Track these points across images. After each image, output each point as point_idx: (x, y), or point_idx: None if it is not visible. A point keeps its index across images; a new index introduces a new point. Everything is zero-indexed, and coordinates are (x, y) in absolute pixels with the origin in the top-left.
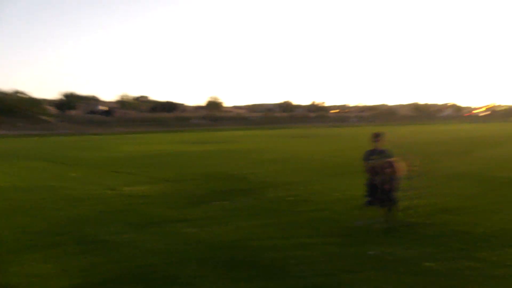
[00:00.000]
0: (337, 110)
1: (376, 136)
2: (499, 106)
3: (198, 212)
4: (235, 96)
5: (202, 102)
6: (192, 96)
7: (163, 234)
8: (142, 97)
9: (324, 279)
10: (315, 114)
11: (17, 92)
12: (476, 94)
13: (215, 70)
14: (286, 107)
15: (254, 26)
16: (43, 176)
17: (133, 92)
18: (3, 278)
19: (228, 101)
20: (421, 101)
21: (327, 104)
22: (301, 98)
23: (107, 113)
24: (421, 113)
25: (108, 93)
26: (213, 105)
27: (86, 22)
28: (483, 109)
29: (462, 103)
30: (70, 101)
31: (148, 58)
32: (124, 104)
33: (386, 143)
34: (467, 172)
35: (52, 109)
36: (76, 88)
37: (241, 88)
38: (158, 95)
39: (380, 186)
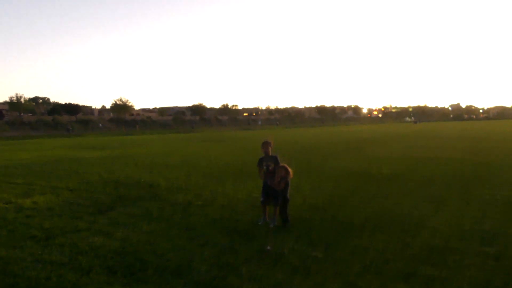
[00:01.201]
0: (246, 114)
1: (265, 144)
2: (391, 108)
3: (104, 220)
4: (144, 99)
5: (109, 104)
6: (100, 98)
7: (68, 245)
8: (40, 98)
9: (227, 271)
10: (227, 117)
11: None
12: (374, 96)
13: (125, 72)
14: (197, 110)
15: (166, 28)
16: None
17: (28, 93)
18: None
19: (137, 104)
20: (327, 103)
21: (240, 107)
22: (213, 101)
23: None
24: (325, 115)
25: None
26: (121, 108)
27: None
28: (381, 109)
29: (362, 105)
30: None
31: (51, 58)
32: (15, 105)
33: (273, 149)
34: (354, 169)
35: None
36: None
37: (151, 90)
38: (61, 97)
39: (274, 188)
